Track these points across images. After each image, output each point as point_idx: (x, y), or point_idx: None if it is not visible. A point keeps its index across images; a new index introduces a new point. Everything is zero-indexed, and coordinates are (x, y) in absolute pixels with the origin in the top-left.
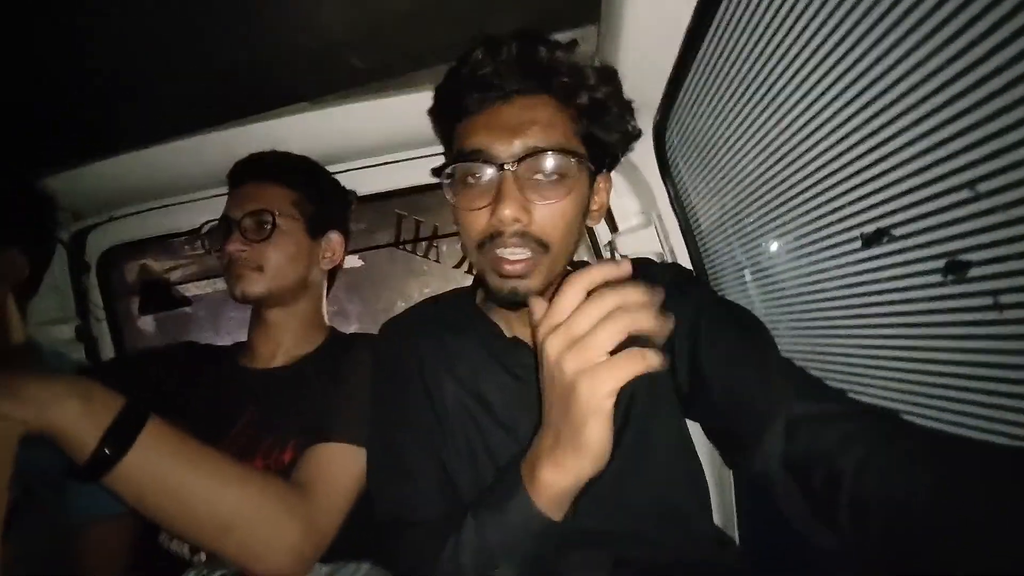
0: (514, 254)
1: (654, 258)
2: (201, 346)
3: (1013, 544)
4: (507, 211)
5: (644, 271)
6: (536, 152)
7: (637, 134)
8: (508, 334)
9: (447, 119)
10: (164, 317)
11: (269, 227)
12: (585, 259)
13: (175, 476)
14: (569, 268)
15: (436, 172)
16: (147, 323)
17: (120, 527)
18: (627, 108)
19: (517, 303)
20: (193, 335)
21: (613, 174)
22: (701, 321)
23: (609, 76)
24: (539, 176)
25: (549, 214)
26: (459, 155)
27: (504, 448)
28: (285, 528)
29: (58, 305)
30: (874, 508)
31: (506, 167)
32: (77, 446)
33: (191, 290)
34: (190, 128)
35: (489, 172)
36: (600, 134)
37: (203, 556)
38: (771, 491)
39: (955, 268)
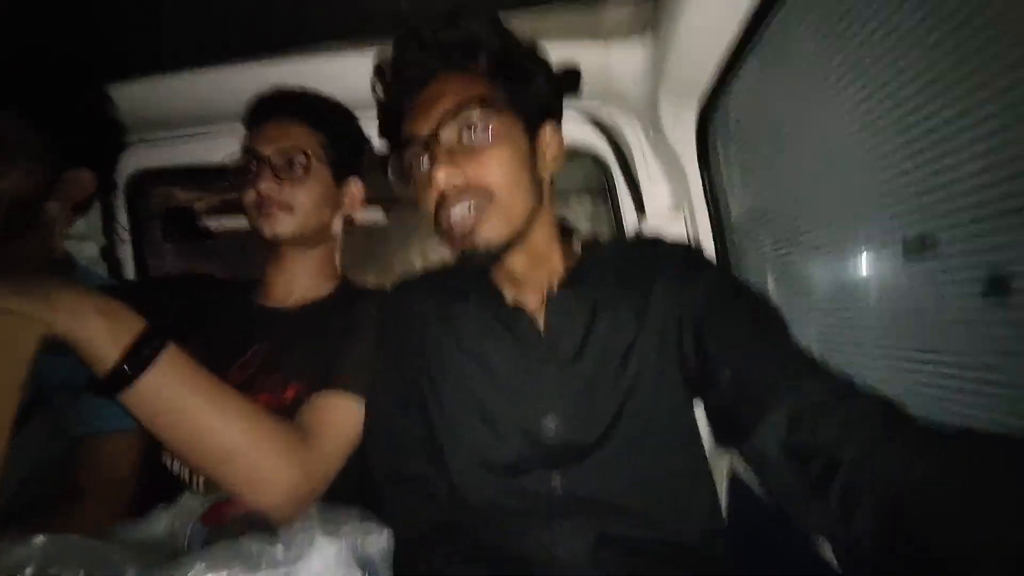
0: (458, 212)
1: None
2: (218, 280)
3: (1000, 539)
4: (439, 173)
5: (653, 249)
6: (447, 116)
7: (558, 78)
8: (509, 300)
9: (395, 133)
10: (187, 247)
11: (303, 168)
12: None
13: (186, 401)
14: (575, 243)
15: (390, 166)
16: (169, 250)
17: (128, 444)
18: (534, 59)
19: (481, 258)
20: (213, 267)
21: (648, 155)
22: (710, 301)
23: (499, 32)
24: (464, 137)
25: (481, 162)
26: (400, 146)
27: (498, 406)
28: (283, 466)
29: (84, 223)
30: (865, 497)
31: (430, 140)
32: (98, 359)
33: (214, 223)
34: (226, 57)
35: (418, 151)
36: (517, 87)
37: (201, 481)
38: (762, 471)
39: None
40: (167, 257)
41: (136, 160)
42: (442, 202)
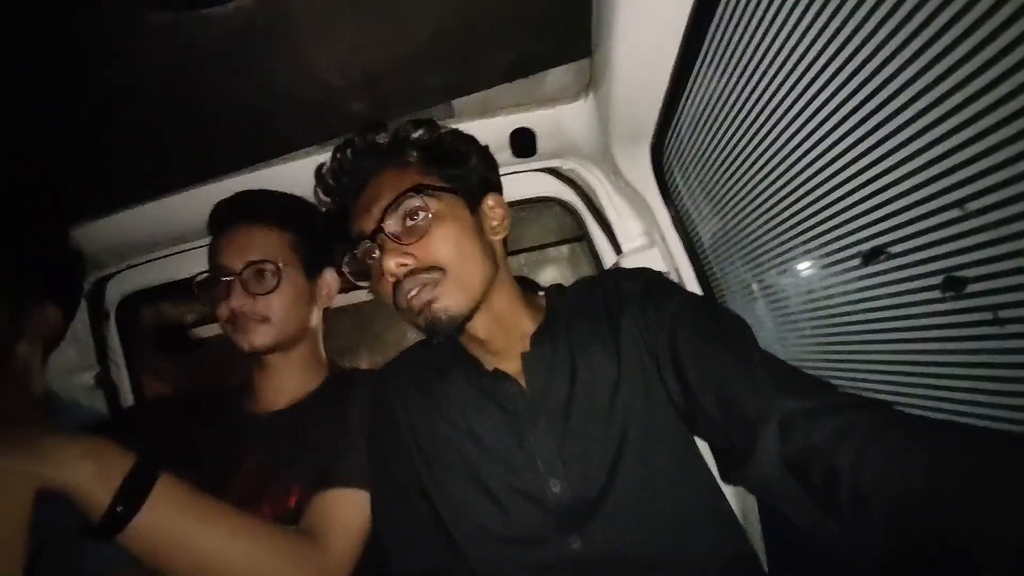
0: (412, 292)
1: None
2: (207, 392)
3: (1011, 518)
4: (388, 263)
5: (613, 281)
6: (387, 208)
7: (480, 157)
8: (489, 367)
9: (342, 234)
10: (180, 360)
11: (275, 279)
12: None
13: (187, 532)
14: (538, 295)
15: (344, 266)
16: (164, 366)
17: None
18: (458, 139)
19: (444, 329)
20: (208, 374)
21: (614, 196)
22: (680, 329)
23: (425, 124)
24: (407, 224)
25: (427, 244)
26: (353, 243)
27: (497, 478)
28: None
29: (78, 353)
30: (874, 498)
31: (376, 234)
32: (91, 505)
33: (204, 331)
34: (200, 178)
35: (366, 245)
36: (448, 168)
37: None
38: (771, 496)
39: (953, 285)
40: (162, 372)
41: (123, 285)
42: (397, 286)
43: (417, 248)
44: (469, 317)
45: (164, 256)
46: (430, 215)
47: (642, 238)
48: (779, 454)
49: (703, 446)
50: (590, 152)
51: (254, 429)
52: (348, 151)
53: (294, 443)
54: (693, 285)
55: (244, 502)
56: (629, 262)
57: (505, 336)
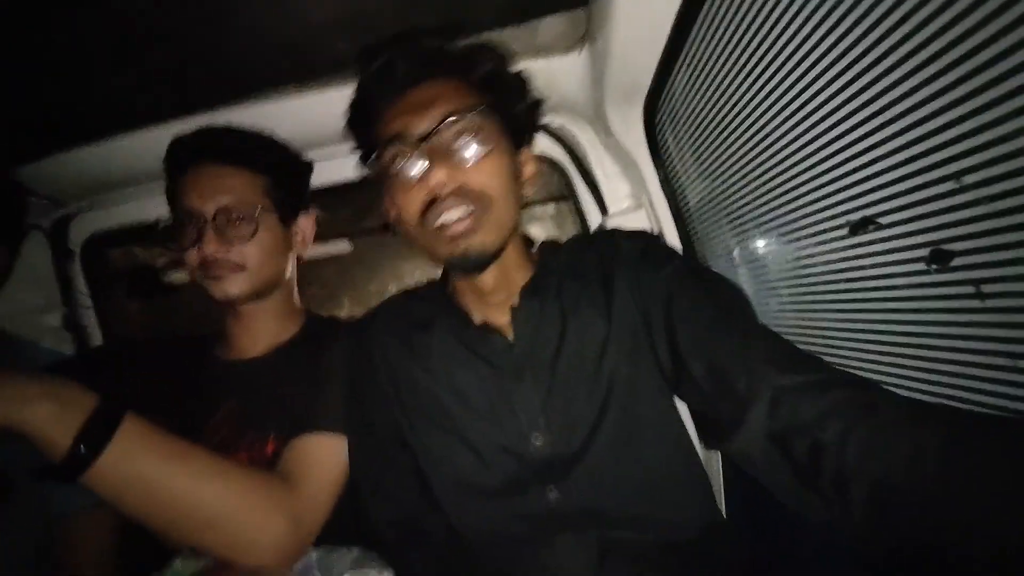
0: (455, 214)
1: None
2: (179, 338)
3: (992, 506)
4: (439, 173)
5: (610, 241)
6: (449, 117)
7: (538, 103)
8: (478, 320)
9: (364, 123)
10: (152, 304)
11: (251, 226)
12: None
13: (154, 474)
14: (532, 250)
15: (364, 161)
16: (135, 310)
17: (103, 517)
18: (521, 80)
19: (473, 264)
20: (181, 321)
21: (603, 156)
22: (675, 296)
23: (496, 52)
24: (459, 142)
25: (481, 169)
26: (381, 145)
27: (478, 431)
28: (270, 520)
29: (43, 294)
30: (857, 478)
31: (427, 139)
32: (51, 446)
33: (177, 277)
34: (172, 114)
35: (411, 149)
36: (504, 104)
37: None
38: (752, 467)
39: (939, 257)
40: (133, 317)
41: (89, 224)
42: (432, 204)
43: (468, 170)
44: (495, 258)
45: (131, 198)
46: (491, 140)
47: (629, 199)
48: (766, 428)
49: (683, 411)
50: (582, 109)
51: (228, 377)
52: (412, 44)
53: (270, 391)
54: (677, 248)
55: (218, 450)
56: (615, 223)
57: (505, 288)
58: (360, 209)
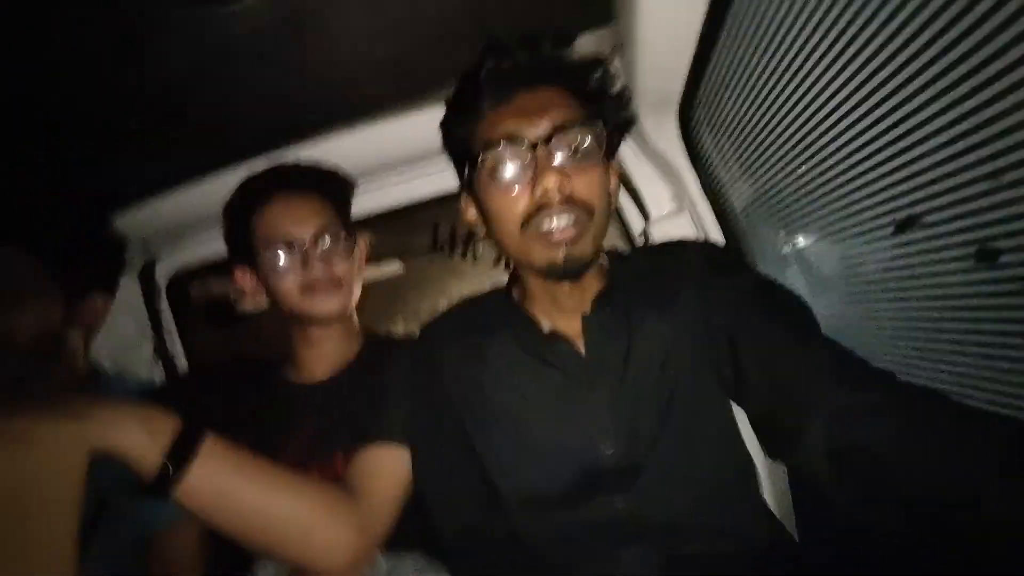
0: (563, 221)
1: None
2: (253, 362)
3: None
4: (552, 180)
5: (677, 252)
6: (563, 127)
7: (632, 120)
8: (546, 328)
9: (465, 123)
10: (229, 331)
11: (348, 244)
12: (616, 246)
13: (233, 488)
14: (603, 260)
15: (462, 165)
16: (215, 336)
17: (190, 530)
18: (621, 95)
19: (572, 272)
20: (258, 344)
21: (641, 162)
22: (740, 307)
23: (602, 65)
24: (568, 152)
25: (587, 181)
26: (486, 145)
27: (546, 439)
28: (338, 532)
29: (135, 325)
30: (920, 501)
31: (540, 145)
32: (142, 464)
33: (250, 307)
34: (238, 159)
35: (523, 153)
36: (606, 117)
37: None
38: (815, 480)
39: (986, 255)
40: (215, 345)
41: (172, 263)
42: (540, 210)
43: (577, 181)
44: (590, 267)
45: (206, 233)
46: (599, 153)
47: (670, 203)
48: (826, 446)
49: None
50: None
51: (301, 399)
52: (530, 48)
53: (339, 411)
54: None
55: (292, 469)
56: (657, 228)
57: (581, 295)
58: (408, 232)
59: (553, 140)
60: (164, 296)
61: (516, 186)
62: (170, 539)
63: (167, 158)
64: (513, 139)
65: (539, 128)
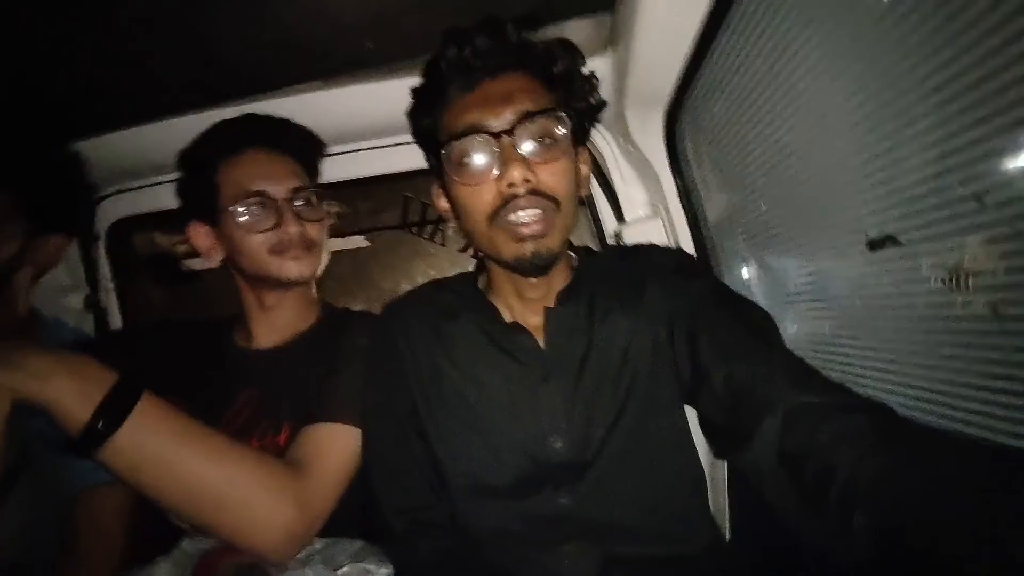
0: (529, 215)
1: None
2: (198, 322)
3: (1000, 544)
4: (517, 172)
5: (645, 254)
6: (528, 116)
7: (601, 105)
8: (508, 319)
9: (430, 111)
10: (172, 289)
11: (323, 206)
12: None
13: (168, 452)
14: (571, 253)
15: (430, 155)
16: (155, 294)
17: (118, 495)
18: (588, 79)
19: (540, 266)
20: (199, 307)
21: (621, 162)
22: (702, 308)
23: (571, 49)
24: (534, 140)
25: (553, 171)
26: (451, 135)
27: (498, 429)
28: (278, 508)
29: (68, 274)
30: (863, 508)
31: (504, 136)
32: (70, 420)
33: (198, 264)
34: (200, 104)
35: (487, 144)
36: (573, 103)
37: None
38: (760, 483)
39: (957, 276)
40: (153, 301)
41: (115, 209)
42: (507, 202)
43: (543, 171)
44: (558, 260)
45: (158, 183)
46: (564, 143)
47: (646, 208)
48: (778, 445)
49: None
50: (602, 113)
51: (248, 365)
52: (493, 34)
53: (287, 381)
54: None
55: (233, 437)
56: (631, 231)
57: (545, 289)
58: (377, 205)
59: (518, 129)
60: (103, 243)
61: (482, 177)
62: (95, 501)
63: (123, 94)
64: (477, 129)
65: (503, 117)
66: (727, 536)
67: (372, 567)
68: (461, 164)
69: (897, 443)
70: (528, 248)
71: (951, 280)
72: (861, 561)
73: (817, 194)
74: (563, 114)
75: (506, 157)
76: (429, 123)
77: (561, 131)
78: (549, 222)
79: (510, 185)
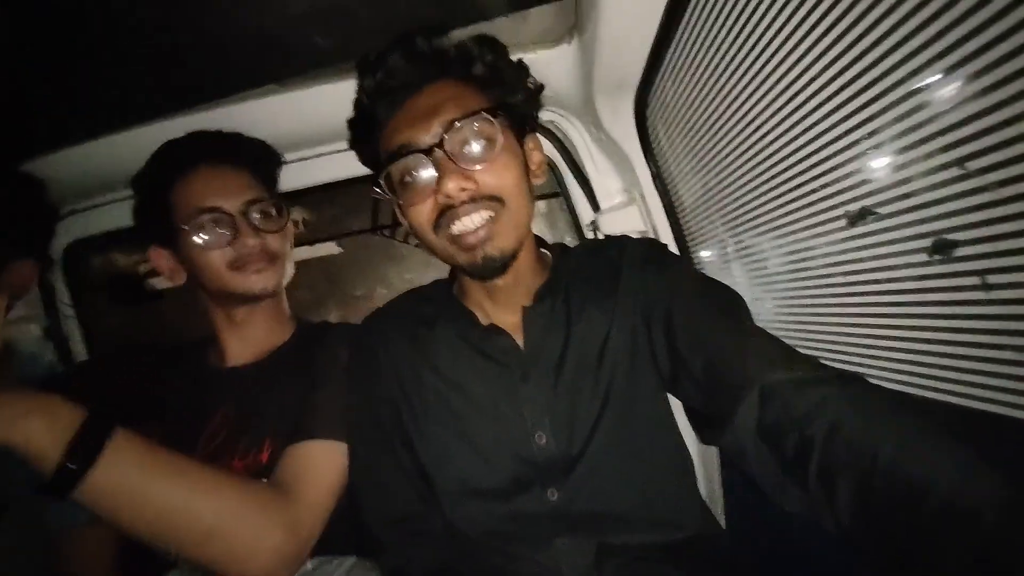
0: (472, 221)
1: (636, 236)
2: (167, 347)
3: (976, 500)
4: (450, 183)
5: (619, 246)
6: (454, 124)
7: (539, 88)
8: (484, 321)
9: (367, 140)
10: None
11: (281, 216)
12: (567, 240)
13: (147, 487)
14: (544, 251)
15: (374, 183)
16: (116, 318)
17: (102, 532)
18: (519, 67)
19: (492, 270)
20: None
21: (594, 151)
22: (676, 298)
23: (490, 44)
24: (468, 147)
25: (492, 171)
26: (387, 158)
27: (483, 431)
28: (268, 532)
29: (24, 303)
30: (842, 473)
31: (434, 149)
32: (42, 461)
33: (161, 283)
34: (150, 115)
35: (419, 161)
36: (506, 96)
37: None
38: (744, 462)
39: (942, 247)
40: (115, 325)
41: (70, 231)
42: (447, 212)
43: (480, 174)
44: (513, 260)
45: (111, 201)
46: (498, 142)
47: (621, 195)
48: (756, 422)
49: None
50: (572, 102)
51: (222, 384)
52: (406, 50)
53: (265, 397)
54: (670, 245)
55: (213, 458)
56: (607, 219)
57: (516, 288)
58: (346, 210)
59: (447, 140)
60: (60, 268)
61: (424, 194)
62: (79, 541)
63: (72, 107)
64: (408, 148)
65: (432, 131)
66: (722, 522)
67: None
68: (403, 184)
69: (869, 409)
70: (478, 255)
71: (931, 252)
72: (847, 527)
73: (792, 169)
74: (489, 113)
75: (441, 169)
76: (369, 152)
77: (493, 129)
78: (493, 226)
79: (447, 197)
